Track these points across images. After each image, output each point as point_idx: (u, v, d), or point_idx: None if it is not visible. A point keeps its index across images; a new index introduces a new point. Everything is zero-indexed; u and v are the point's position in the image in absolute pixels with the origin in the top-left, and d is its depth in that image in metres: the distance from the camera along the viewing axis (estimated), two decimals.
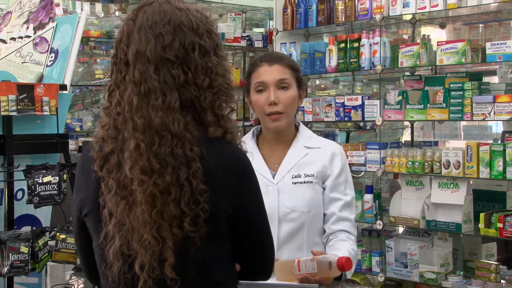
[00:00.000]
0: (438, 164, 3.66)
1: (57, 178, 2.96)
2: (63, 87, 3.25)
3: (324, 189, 2.31)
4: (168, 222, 1.44)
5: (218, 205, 1.48)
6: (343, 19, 4.23)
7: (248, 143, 2.37)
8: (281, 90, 2.28)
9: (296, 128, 2.39)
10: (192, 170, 1.44)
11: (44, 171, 2.98)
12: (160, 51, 1.48)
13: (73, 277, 4.13)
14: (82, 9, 5.50)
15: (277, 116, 2.27)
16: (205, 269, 1.52)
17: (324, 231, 2.31)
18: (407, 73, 4.14)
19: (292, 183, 2.28)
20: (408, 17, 4.17)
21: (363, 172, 4.36)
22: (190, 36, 1.51)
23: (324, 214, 2.31)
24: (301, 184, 2.28)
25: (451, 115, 3.66)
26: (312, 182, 2.28)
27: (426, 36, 4.36)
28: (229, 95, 1.56)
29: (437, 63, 3.80)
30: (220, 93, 1.53)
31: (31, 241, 2.91)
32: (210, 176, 1.46)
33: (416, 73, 4.09)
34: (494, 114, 3.45)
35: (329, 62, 4.22)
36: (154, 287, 1.47)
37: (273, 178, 2.30)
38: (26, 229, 3.12)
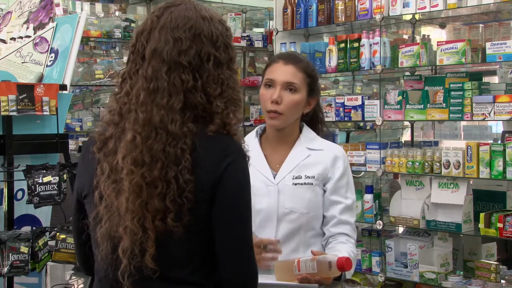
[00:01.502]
0: (438, 164, 3.66)
1: (57, 178, 2.96)
2: (63, 87, 3.25)
3: (324, 191, 2.31)
4: (151, 214, 1.49)
5: (203, 195, 1.51)
6: (343, 19, 4.23)
7: (251, 142, 2.38)
8: (288, 91, 2.28)
9: (300, 130, 2.39)
10: (181, 167, 1.49)
11: (44, 171, 2.98)
12: (176, 54, 1.54)
13: (73, 277, 4.13)
14: (82, 9, 5.50)
15: (275, 115, 2.27)
16: (187, 262, 1.54)
17: (324, 234, 2.31)
18: (407, 73, 4.14)
19: (293, 184, 2.28)
20: (408, 17, 4.17)
21: (363, 172, 4.36)
22: (207, 47, 1.57)
23: (324, 217, 2.31)
24: (301, 185, 2.28)
25: (451, 115, 3.66)
26: (312, 184, 2.28)
27: (426, 36, 4.36)
28: (238, 106, 1.61)
29: (437, 63, 3.80)
30: (229, 103, 1.59)
31: (31, 241, 2.91)
32: (198, 166, 1.51)
33: (416, 73, 4.09)
34: (494, 114, 3.45)
35: (329, 62, 4.22)
36: (134, 272, 1.51)
37: (274, 178, 2.30)
38: (26, 229, 3.12)
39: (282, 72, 2.29)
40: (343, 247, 2.22)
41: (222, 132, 1.57)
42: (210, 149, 1.54)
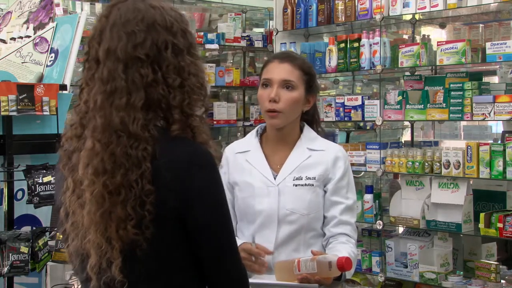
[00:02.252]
0: (438, 164, 3.66)
1: None
2: (63, 87, 3.25)
3: (325, 192, 2.31)
4: (115, 223, 1.43)
5: (167, 207, 1.44)
6: (343, 19, 4.23)
7: (251, 141, 2.38)
8: (285, 89, 2.27)
9: (301, 130, 2.38)
10: (141, 171, 1.43)
11: (44, 171, 2.98)
12: (131, 49, 1.47)
13: (73, 277, 4.13)
14: (82, 9, 5.49)
15: (274, 114, 2.26)
16: (156, 273, 1.48)
17: (324, 234, 2.31)
18: (407, 73, 4.14)
19: (293, 185, 2.27)
20: (408, 17, 4.17)
21: (363, 172, 4.36)
22: (164, 35, 1.49)
23: (325, 217, 2.30)
24: (302, 186, 2.27)
25: (451, 115, 3.66)
26: (313, 185, 2.28)
27: (426, 36, 4.36)
28: (201, 95, 1.54)
29: (437, 63, 3.79)
30: (191, 92, 1.51)
31: (31, 241, 2.92)
32: (158, 176, 1.44)
33: (416, 73, 4.09)
34: (494, 114, 3.45)
35: (329, 62, 4.22)
36: None
37: (275, 179, 2.30)
38: (26, 229, 3.12)
39: (278, 71, 2.28)
40: (343, 247, 2.22)
41: (186, 135, 1.49)
42: (172, 158, 1.46)
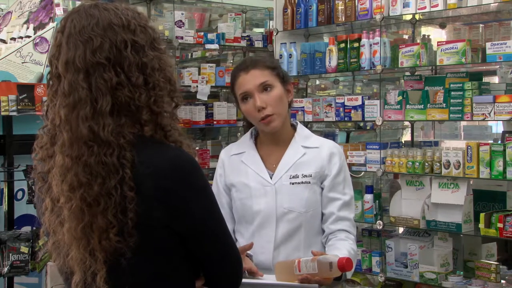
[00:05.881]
0: (438, 164, 3.66)
1: None
2: None
3: (322, 189, 2.31)
4: (97, 234, 1.40)
5: (151, 216, 1.42)
6: (343, 19, 4.22)
7: (246, 143, 2.38)
8: (265, 92, 2.27)
9: (294, 128, 2.39)
10: (120, 177, 1.39)
11: None
12: (90, 55, 1.43)
13: None
14: None
15: (269, 119, 2.26)
16: (142, 282, 1.47)
17: (323, 231, 2.31)
18: (407, 73, 4.13)
19: (290, 183, 2.28)
20: (408, 17, 4.17)
21: (363, 172, 4.35)
22: (121, 34, 1.45)
23: (323, 214, 2.31)
24: (298, 184, 2.28)
25: (451, 115, 3.66)
26: (309, 183, 2.28)
27: (426, 36, 4.36)
28: (167, 89, 1.50)
29: (437, 63, 3.79)
30: (158, 88, 1.47)
31: (31, 241, 2.92)
32: (141, 185, 1.41)
33: (416, 73, 4.09)
34: (494, 114, 3.45)
35: (329, 62, 4.22)
36: None
37: (271, 178, 2.30)
38: (26, 229, 3.12)
39: (250, 80, 2.28)
40: (343, 245, 2.22)
41: (158, 135, 1.47)
42: (153, 166, 1.43)
